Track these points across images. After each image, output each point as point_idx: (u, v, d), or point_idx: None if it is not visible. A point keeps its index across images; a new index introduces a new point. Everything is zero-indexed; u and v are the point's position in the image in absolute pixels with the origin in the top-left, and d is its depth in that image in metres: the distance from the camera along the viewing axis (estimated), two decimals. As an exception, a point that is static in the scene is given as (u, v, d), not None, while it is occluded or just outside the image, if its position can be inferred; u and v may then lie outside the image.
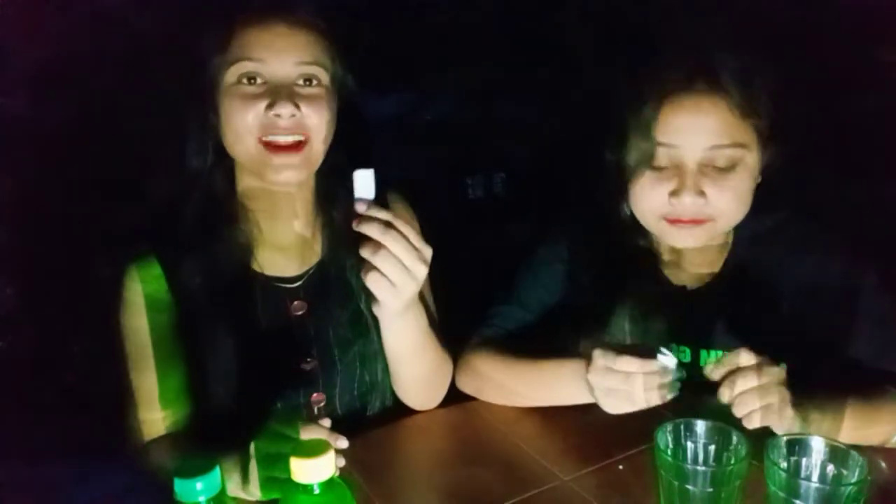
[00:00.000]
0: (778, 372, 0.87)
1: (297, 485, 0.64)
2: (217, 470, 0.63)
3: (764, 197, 1.11)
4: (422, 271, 0.90)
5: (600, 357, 0.94)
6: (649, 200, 1.06)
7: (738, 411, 0.85)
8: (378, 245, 0.87)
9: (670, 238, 1.08)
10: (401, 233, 0.88)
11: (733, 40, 1.10)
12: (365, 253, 0.88)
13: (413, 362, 1.08)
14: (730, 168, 1.02)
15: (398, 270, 0.88)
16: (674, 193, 1.02)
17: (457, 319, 1.23)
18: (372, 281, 0.90)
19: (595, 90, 1.16)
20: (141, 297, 1.04)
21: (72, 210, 1.86)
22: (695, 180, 1.01)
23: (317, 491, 0.64)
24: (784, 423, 0.86)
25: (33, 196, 1.87)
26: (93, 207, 1.84)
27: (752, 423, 0.84)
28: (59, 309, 1.91)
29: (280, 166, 1.01)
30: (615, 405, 0.96)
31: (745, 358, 0.87)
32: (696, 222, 1.04)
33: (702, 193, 1.01)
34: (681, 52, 1.05)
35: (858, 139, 1.85)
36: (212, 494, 0.62)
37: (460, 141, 2.76)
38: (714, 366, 0.90)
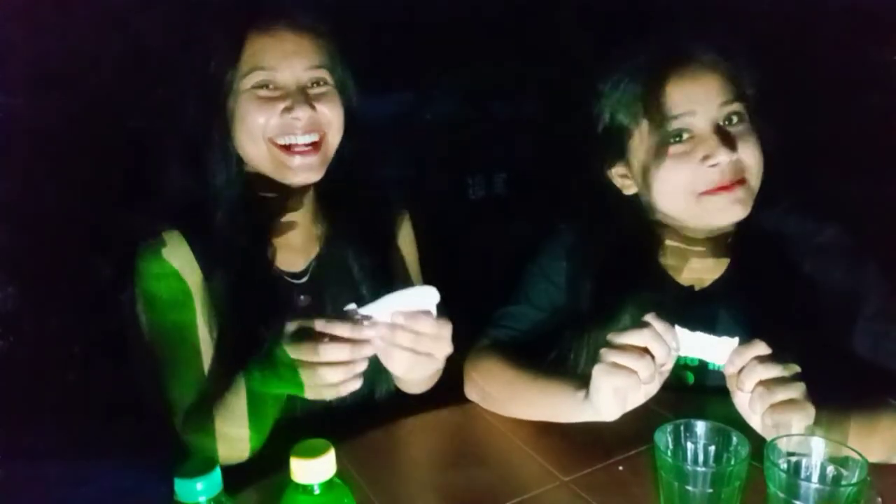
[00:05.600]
0: (795, 367, 0.85)
1: (297, 485, 0.64)
2: (217, 470, 0.63)
3: (764, 196, 1.11)
4: (443, 352, 0.91)
5: (606, 354, 0.91)
6: (681, 177, 1.06)
7: (760, 402, 0.83)
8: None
9: (716, 213, 1.07)
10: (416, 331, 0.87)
11: (712, 22, 1.15)
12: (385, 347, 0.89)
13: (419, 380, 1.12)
14: (740, 123, 1.06)
15: (421, 359, 0.90)
16: (707, 157, 1.04)
17: (457, 319, 1.23)
18: (390, 366, 0.92)
19: (592, 88, 1.17)
20: (163, 271, 1.06)
21: (72, 210, 1.86)
22: (722, 138, 1.04)
23: (317, 491, 0.64)
24: (805, 419, 0.83)
25: (33, 196, 1.87)
26: (93, 207, 1.84)
27: (777, 417, 0.82)
28: (59, 309, 1.91)
29: (298, 168, 1.07)
30: (617, 407, 0.92)
31: (762, 347, 0.85)
32: (733, 186, 1.04)
33: (734, 149, 1.03)
34: (666, 37, 1.11)
35: (858, 138, 1.85)
36: (212, 494, 0.62)
37: (460, 141, 2.76)
38: (729, 357, 0.87)
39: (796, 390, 0.83)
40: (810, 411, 0.83)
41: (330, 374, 0.84)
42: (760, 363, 0.84)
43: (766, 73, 1.12)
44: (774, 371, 0.83)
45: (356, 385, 0.86)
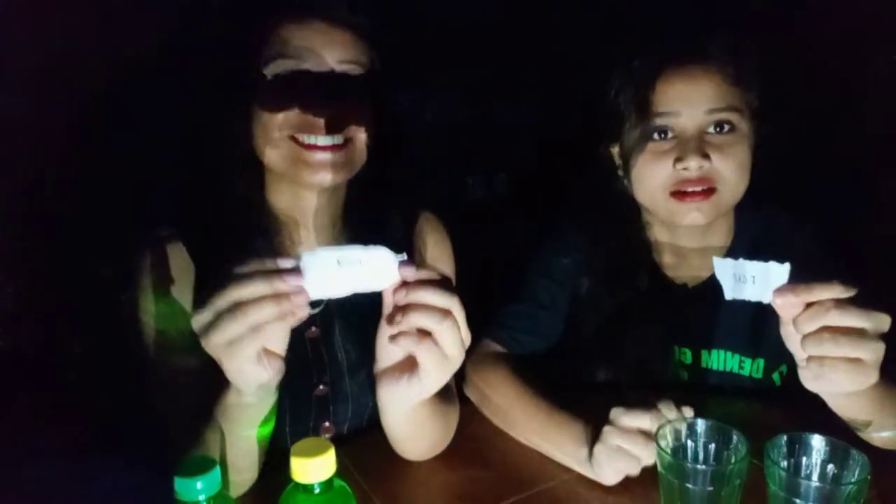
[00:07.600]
0: (884, 318, 0.71)
1: (298, 485, 0.64)
2: (217, 469, 0.63)
3: (764, 199, 1.11)
4: (459, 360, 0.76)
5: (610, 435, 0.88)
6: (655, 174, 1.08)
7: (819, 351, 0.71)
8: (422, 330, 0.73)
9: (679, 215, 1.08)
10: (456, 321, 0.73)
11: (720, 18, 1.14)
12: (405, 342, 0.73)
13: (414, 437, 0.98)
14: (728, 132, 1.06)
15: (438, 360, 0.75)
16: (679, 160, 1.05)
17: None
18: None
19: (593, 88, 1.18)
20: (163, 275, 0.98)
21: (72, 210, 1.86)
22: (697, 144, 1.04)
23: (317, 491, 0.64)
24: (860, 383, 0.72)
25: (33, 196, 1.87)
26: (93, 207, 1.84)
27: (825, 370, 0.71)
28: (59, 309, 1.91)
29: (317, 164, 0.95)
30: (617, 479, 0.89)
31: (838, 290, 0.71)
32: (704, 194, 1.05)
33: (706, 156, 1.04)
34: (669, 31, 1.10)
35: (858, 138, 1.85)
36: (212, 493, 0.62)
37: (460, 141, 2.76)
38: (796, 292, 0.72)
39: (873, 349, 0.71)
40: (870, 379, 0.72)
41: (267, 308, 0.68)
42: (836, 307, 0.71)
43: (777, 78, 1.11)
44: (851, 319, 0.70)
45: (303, 311, 0.70)
